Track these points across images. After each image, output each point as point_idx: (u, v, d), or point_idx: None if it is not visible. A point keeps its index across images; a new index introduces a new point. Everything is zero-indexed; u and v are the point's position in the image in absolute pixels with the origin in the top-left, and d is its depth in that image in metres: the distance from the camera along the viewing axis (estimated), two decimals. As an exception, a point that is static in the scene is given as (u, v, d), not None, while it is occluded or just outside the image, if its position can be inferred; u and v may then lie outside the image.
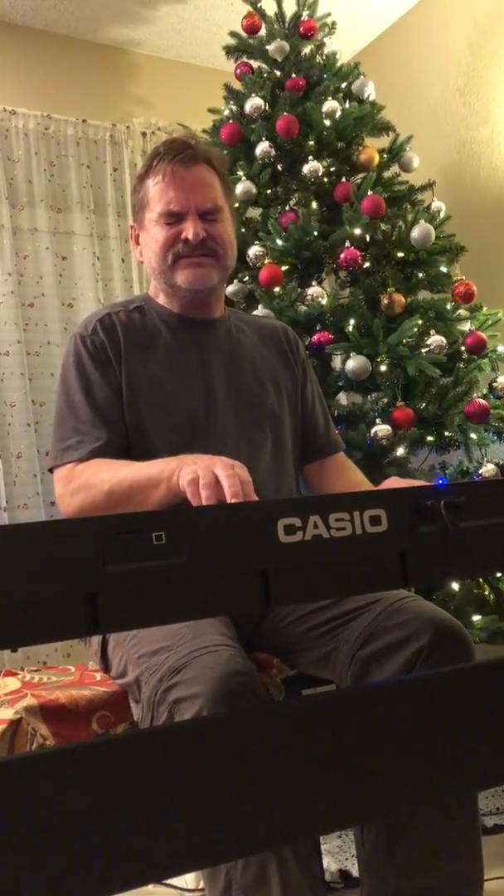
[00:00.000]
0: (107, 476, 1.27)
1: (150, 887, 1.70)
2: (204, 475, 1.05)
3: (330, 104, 2.42)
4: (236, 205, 2.42)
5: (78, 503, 1.28)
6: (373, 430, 2.08)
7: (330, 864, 1.69)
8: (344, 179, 2.40)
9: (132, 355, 1.43)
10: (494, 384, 2.26)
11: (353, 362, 2.13)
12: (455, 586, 2.00)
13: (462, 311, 2.35)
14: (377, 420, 2.12)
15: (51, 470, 1.42)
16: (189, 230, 1.41)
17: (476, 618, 1.98)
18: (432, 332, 2.21)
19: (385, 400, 2.18)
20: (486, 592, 2.03)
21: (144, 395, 1.41)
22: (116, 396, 1.40)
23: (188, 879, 1.68)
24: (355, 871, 1.61)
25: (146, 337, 1.47)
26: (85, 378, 1.41)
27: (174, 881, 1.69)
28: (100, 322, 1.45)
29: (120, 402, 1.40)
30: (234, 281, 2.39)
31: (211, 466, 1.06)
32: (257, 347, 1.57)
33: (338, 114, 2.42)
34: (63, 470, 1.36)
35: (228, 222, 1.50)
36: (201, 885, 1.61)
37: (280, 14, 2.62)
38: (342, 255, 2.25)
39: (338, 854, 1.74)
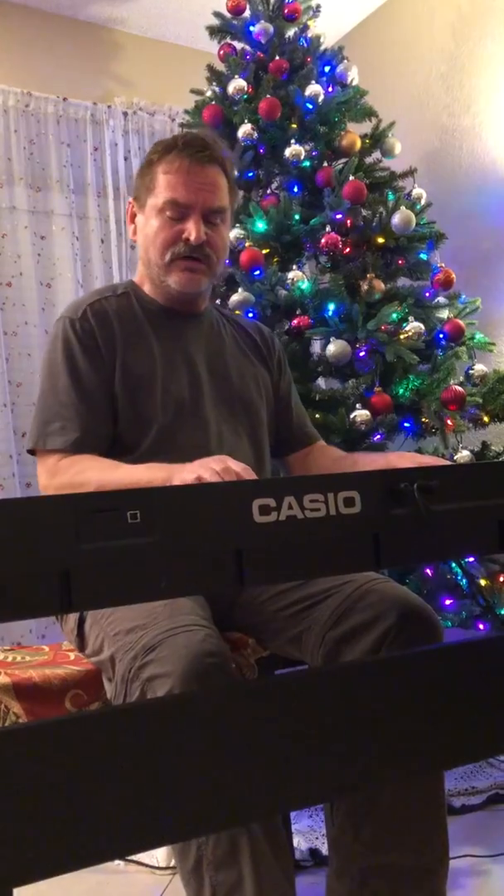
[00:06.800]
0: (93, 476, 1.27)
1: (122, 866, 1.71)
2: (202, 470, 1.06)
3: (313, 88, 2.41)
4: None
5: None
6: (352, 415, 2.09)
7: (300, 843, 1.72)
8: (326, 164, 2.39)
9: (126, 342, 1.45)
10: (471, 372, 2.28)
11: (334, 347, 2.14)
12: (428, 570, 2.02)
13: (441, 299, 2.36)
14: (356, 405, 2.12)
15: (31, 451, 1.42)
16: (192, 231, 1.43)
17: (448, 601, 2.00)
18: (411, 318, 2.22)
19: (364, 385, 2.19)
20: (459, 577, 2.05)
21: (138, 381, 1.42)
22: (103, 384, 1.41)
23: (159, 858, 1.69)
24: (325, 850, 1.63)
25: (137, 324, 1.49)
26: (72, 362, 1.41)
27: (145, 859, 1.70)
28: (90, 307, 1.46)
29: (106, 389, 1.41)
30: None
31: (205, 464, 1.07)
32: (236, 342, 1.62)
33: (321, 98, 2.42)
34: (49, 460, 1.37)
35: (227, 225, 1.53)
36: (172, 863, 1.63)
37: (264, -5, 2.60)
38: (323, 240, 2.25)
39: (308, 834, 1.77)
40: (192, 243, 1.44)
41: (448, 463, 1.25)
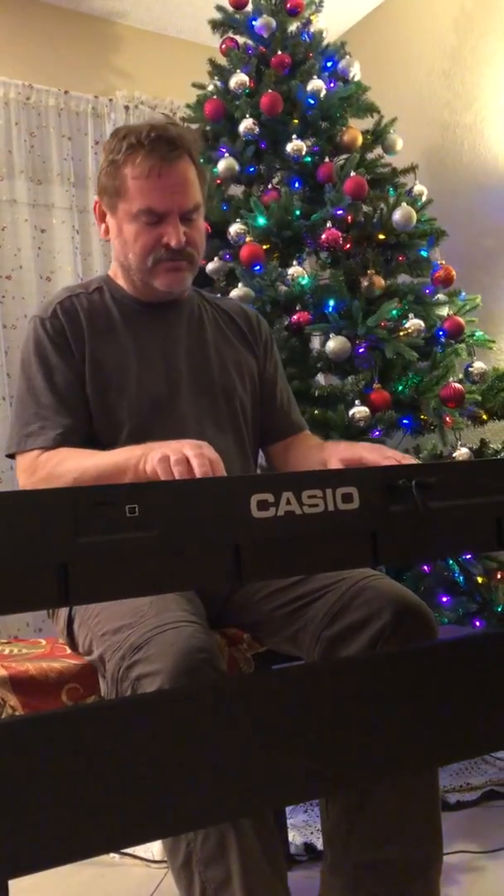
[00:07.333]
0: (72, 465, 1.26)
1: (118, 859, 1.71)
2: (174, 453, 1.06)
3: (315, 83, 2.40)
4: (217, 181, 2.42)
5: None
6: (351, 412, 2.09)
7: (295, 837, 1.72)
8: (327, 159, 2.38)
9: (95, 339, 1.42)
10: (470, 369, 2.28)
11: (333, 343, 2.14)
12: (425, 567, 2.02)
13: (441, 296, 2.35)
14: (355, 402, 2.12)
15: (11, 455, 1.40)
16: (172, 237, 1.39)
17: (445, 598, 2.01)
18: (411, 315, 2.21)
19: (363, 382, 2.19)
20: (456, 573, 2.05)
21: (108, 379, 1.40)
22: (77, 381, 1.39)
23: (154, 851, 1.70)
24: (320, 845, 1.63)
25: (109, 320, 1.46)
26: (45, 362, 1.40)
27: (140, 852, 1.71)
28: (60, 305, 1.44)
29: (81, 386, 1.39)
30: (215, 258, 2.38)
31: (179, 448, 1.07)
32: (219, 328, 1.58)
33: (322, 93, 2.41)
34: (26, 459, 1.35)
35: (202, 213, 1.48)
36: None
37: (267, -11, 2.59)
38: (323, 236, 2.24)
39: (303, 828, 1.77)
40: (173, 248, 1.40)
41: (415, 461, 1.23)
